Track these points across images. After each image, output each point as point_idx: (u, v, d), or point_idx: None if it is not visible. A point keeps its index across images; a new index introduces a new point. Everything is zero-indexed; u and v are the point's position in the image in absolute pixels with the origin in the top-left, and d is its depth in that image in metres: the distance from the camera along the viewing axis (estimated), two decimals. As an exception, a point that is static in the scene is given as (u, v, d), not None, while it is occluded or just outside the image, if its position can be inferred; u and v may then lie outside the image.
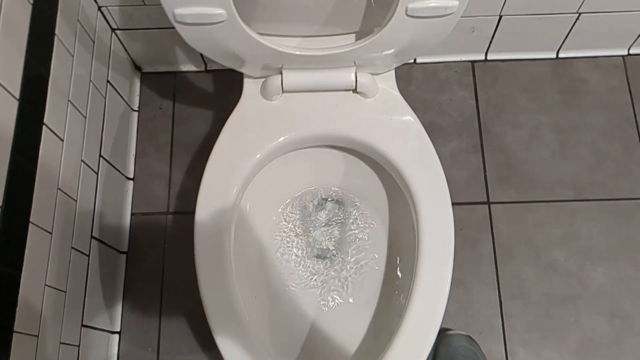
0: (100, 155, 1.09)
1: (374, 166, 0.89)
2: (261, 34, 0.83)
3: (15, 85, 0.77)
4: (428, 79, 1.27)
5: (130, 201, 1.21)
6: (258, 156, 0.82)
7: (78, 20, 1.00)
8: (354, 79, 0.82)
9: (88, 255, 1.02)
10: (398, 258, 0.95)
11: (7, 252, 0.74)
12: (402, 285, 0.92)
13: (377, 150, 0.83)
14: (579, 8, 1.12)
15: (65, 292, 0.93)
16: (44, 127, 0.85)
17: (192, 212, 0.83)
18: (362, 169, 0.90)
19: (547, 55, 1.27)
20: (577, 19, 1.15)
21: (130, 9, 1.10)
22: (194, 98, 1.28)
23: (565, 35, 1.21)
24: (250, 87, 0.86)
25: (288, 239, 0.97)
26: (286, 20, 0.82)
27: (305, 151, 0.89)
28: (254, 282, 0.91)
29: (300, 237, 0.97)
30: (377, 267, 0.95)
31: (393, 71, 0.87)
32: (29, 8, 0.83)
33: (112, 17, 1.13)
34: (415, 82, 1.27)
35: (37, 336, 0.82)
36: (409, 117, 0.84)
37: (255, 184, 0.86)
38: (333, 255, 0.97)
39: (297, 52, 0.76)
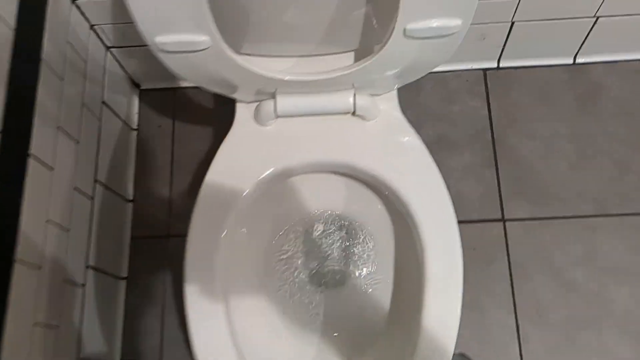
0: (96, 180, 1.05)
1: (377, 191, 0.84)
2: (254, 55, 0.78)
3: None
4: (437, 89, 1.21)
5: (130, 224, 1.18)
6: (250, 189, 0.77)
7: (68, 42, 0.96)
8: (352, 102, 0.76)
9: (83, 286, 0.98)
10: (406, 285, 0.90)
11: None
12: (411, 313, 0.86)
13: (379, 179, 0.77)
14: (596, 12, 1.05)
15: (59, 326, 0.89)
16: (29, 158, 0.82)
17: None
18: (364, 193, 0.85)
19: (563, 60, 1.20)
20: (595, 23, 1.08)
21: (123, 27, 1.06)
22: (195, 115, 1.24)
23: (583, 39, 1.14)
24: (242, 112, 0.81)
25: (289, 266, 0.92)
26: (280, 40, 0.77)
27: (305, 175, 0.84)
28: (252, 312, 0.87)
29: (302, 263, 0.92)
30: (383, 295, 0.90)
31: (395, 91, 0.81)
32: (11, 35, 0.79)
33: (106, 35, 1.09)
34: (423, 92, 1.21)
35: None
36: (413, 141, 0.79)
37: (253, 209, 0.81)
38: (337, 282, 0.92)
39: (289, 78, 0.71)
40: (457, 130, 1.18)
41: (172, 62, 0.68)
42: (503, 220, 1.13)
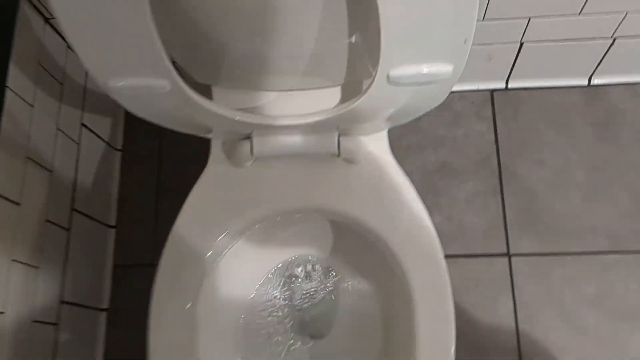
0: (73, 209, 0.99)
1: (364, 237, 0.76)
2: (231, 88, 0.71)
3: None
4: (441, 112, 1.13)
5: (112, 252, 1.11)
6: (222, 238, 0.70)
7: (40, 65, 0.89)
8: (336, 144, 0.69)
9: (55, 325, 0.92)
10: (396, 334, 0.82)
11: None
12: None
13: (366, 227, 0.70)
14: (614, 32, 0.96)
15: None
16: (-11, 197, 0.76)
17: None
18: (351, 237, 0.77)
19: (577, 82, 1.11)
20: (612, 44, 0.99)
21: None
22: (183, 135, 1.17)
23: (599, 60, 1.05)
24: (218, 151, 0.74)
25: (272, 316, 0.85)
26: (260, 73, 0.69)
27: (289, 217, 0.77)
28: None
29: (286, 312, 0.85)
30: (370, 346, 0.82)
31: (385, 131, 0.73)
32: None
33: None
34: (426, 115, 1.11)
35: None
36: (402, 188, 0.71)
37: (230, 255, 0.74)
38: (322, 332, 0.85)
39: (263, 123, 0.64)
40: (461, 156, 1.10)
41: (129, 104, 0.61)
42: (508, 255, 1.05)
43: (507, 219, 1.06)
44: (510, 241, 1.05)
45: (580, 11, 0.91)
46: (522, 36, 0.97)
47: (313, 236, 0.81)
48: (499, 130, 1.11)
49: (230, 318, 0.78)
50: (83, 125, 1.03)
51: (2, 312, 0.77)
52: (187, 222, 0.71)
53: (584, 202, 1.06)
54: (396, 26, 0.49)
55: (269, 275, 0.85)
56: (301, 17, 0.58)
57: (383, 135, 0.73)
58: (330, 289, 0.86)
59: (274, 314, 0.84)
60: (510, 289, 1.03)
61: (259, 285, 0.84)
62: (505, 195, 1.07)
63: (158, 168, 1.16)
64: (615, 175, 1.06)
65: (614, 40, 0.98)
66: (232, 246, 0.72)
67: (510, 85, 1.12)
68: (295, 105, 0.72)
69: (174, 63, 0.70)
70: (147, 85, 0.56)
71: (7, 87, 0.80)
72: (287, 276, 0.86)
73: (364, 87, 0.65)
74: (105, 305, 1.09)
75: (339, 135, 0.69)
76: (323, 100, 0.73)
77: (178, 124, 0.67)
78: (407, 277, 0.67)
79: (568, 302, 1.02)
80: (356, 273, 0.85)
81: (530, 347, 1.00)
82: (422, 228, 0.69)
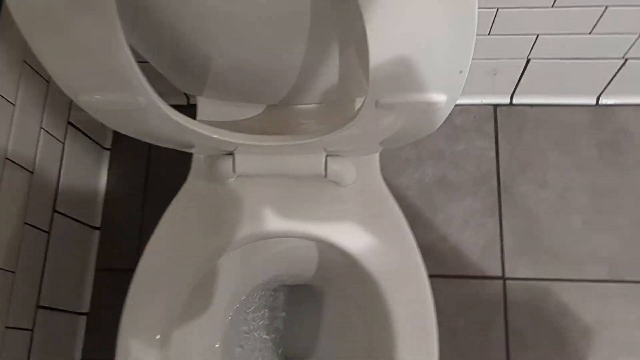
0: (55, 211, 0.95)
1: (350, 263, 0.73)
2: (217, 99, 0.67)
3: None
4: (442, 124, 1.08)
5: (95, 255, 1.08)
6: (198, 260, 0.66)
7: (24, 61, 0.86)
8: (323, 165, 0.65)
9: (31, 330, 0.89)
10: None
11: None
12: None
13: (350, 257, 0.66)
14: (625, 53, 0.92)
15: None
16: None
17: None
18: (337, 260, 0.73)
19: (585, 100, 1.07)
20: (623, 64, 0.95)
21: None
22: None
23: (609, 80, 1.00)
24: (199, 165, 0.71)
25: (252, 339, 0.81)
26: (245, 88, 0.65)
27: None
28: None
29: (266, 334, 0.82)
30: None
31: (377, 153, 0.69)
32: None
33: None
34: (425, 127, 1.08)
35: None
36: (391, 215, 0.67)
37: (206, 276, 0.71)
38: (304, 355, 0.82)
39: (244, 142, 0.60)
40: (460, 173, 1.06)
41: (104, 119, 0.58)
42: (503, 278, 1.01)
43: (504, 241, 1.02)
44: (506, 264, 1.01)
45: (592, 30, 0.86)
46: (529, 52, 0.93)
47: (297, 256, 0.78)
48: (500, 147, 1.07)
49: (204, 344, 0.75)
50: (70, 123, 0.99)
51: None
52: (161, 242, 0.67)
53: (585, 228, 1.01)
54: (386, 55, 0.45)
55: (249, 297, 0.81)
56: (289, 32, 0.54)
57: (374, 158, 0.69)
58: (313, 310, 0.83)
59: (254, 336, 0.80)
60: (503, 313, 1.00)
61: (237, 307, 0.81)
62: (503, 216, 1.03)
63: (146, 169, 1.12)
64: (619, 201, 1.02)
65: (626, 60, 0.94)
66: (209, 267, 0.69)
67: (515, 101, 1.08)
68: (283, 121, 0.69)
69: (158, 74, 0.67)
70: (119, 101, 0.52)
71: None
72: (268, 297, 0.82)
73: (357, 106, 0.61)
74: (85, 310, 1.06)
75: (327, 156, 0.65)
76: (313, 117, 0.69)
77: (156, 140, 0.63)
78: (390, 314, 0.64)
79: (562, 332, 0.98)
80: (341, 296, 0.81)
81: (520, 376, 0.96)
82: (409, 261, 0.65)
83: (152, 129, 0.59)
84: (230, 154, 0.66)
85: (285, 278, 0.82)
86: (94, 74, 0.49)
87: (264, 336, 0.82)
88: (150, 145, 1.12)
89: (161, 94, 1.04)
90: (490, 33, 0.88)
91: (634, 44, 0.89)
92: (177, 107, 1.14)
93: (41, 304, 0.92)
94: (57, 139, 0.96)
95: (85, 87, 0.51)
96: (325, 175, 0.66)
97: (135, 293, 0.64)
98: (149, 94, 0.52)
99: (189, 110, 1.10)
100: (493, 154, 1.06)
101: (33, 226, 0.89)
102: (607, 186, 1.03)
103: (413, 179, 1.06)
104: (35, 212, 0.90)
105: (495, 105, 1.09)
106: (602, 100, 1.06)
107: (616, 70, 0.97)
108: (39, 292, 0.91)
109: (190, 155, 0.73)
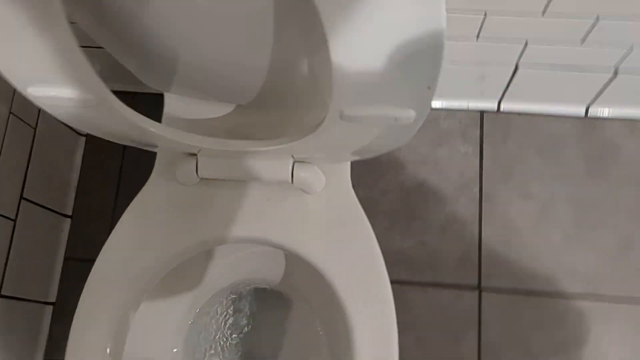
0: (22, 198, 0.93)
1: (314, 271, 0.70)
2: (184, 95, 0.64)
3: None
4: (426, 128, 1.06)
5: (65, 244, 1.06)
6: (157, 263, 0.64)
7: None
8: (289, 171, 0.62)
9: (-9, 320, 0.87)
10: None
11: None
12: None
13: (316, 267, 0.64)
14: (616, 65, 0.89)
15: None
16: None
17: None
18: (302, 267, 0.71)
19: (574, 111, 1.04)
20: (614, 77, 0.92)
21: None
22: (152, 125, 1.10)
23: (599, 91, 0.98)
24: (163, 163, 0.68)
25: (214, 343, 0.79)
26: (213, 86, 0.63)
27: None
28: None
29: (229, 339, 0.80)
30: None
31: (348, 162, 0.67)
32: None
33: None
34: (409, 130, 1.05)
35: None
36: (358, 226, 0.65)
37: (165, 280, 0.68)
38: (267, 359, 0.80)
39: (205, 146, 0.57)
40: (441, 178, 1.03)
41: (57, 114, 0.55)
42: (479, 289, 0.99)
43: (482, 250, 1.00)
44: (483, 275, 0.99)
45: (583, 41, 0.83)
46: (518, 60, 0.90)
47: (262, 260, 0.75)
48: (484, 155, 1.04)
49: (162, 349, 0.73)
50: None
51: None
52: (118, 244, 0.65)
53: (565, 241, 0.99)
54: (349, 67, 0.42)
55: (212, 300, 0.79)
56: (253, 32, 0.51)
57: (345, 166, 0.66)
58: (279, 315, 0.80)
59: (217, 340, 0.78)
60: (476, 325, 0.98)
61: (199, 311, 0.78)
62: (483, 225, 1.01)
63: (122, 157, 1.10)
64: (602, 217, 1.00)
65: (617, 73, 0.91)
66: (168, 271, 0.66)
67: (502, 108, 1.05)
68: (252, 122, 0.66)
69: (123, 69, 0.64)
70: (70, 98, 0.49)
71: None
72: (231, 300, 0.80)
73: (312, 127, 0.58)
74: (52, 299, 1.03)
75: (294, 163, 0.62)
76: (283, 120, 0.66)
77: (115, 138, 0.60)
78: (352, 329, 0.61)
79: (535, 347, 0.96)
80: (306, 301, 0.79)
81: (490, 390, 0.95)
82: (373, 275, 0.63)
83: (108, 128, 0.56)
84: (195, 155, 0.63)
85: (250, 282, 0.80)
86: (40, 66, 0.46)
87: (227, 340, 0.80)
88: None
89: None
90: (479, 38, 0.85)
91: (625, 57, 0.86)
92: (157, 96, 1.12)
93: (4, 293, 0.89)
94: (28, 124, 0.93)
95: (32, 79, 0.48)
96: (292, 182, 0.63)
97: (87, 300, 0.62)
98: (100, 91, 0.49)
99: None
100: (477, 161, 1.04)
101: (-3, 214, 0.86)
102: (590, 200, 1.01)
103: (392, 183, 1.03)
104: (1, 198, 0.87)
105: (482, 112, 1.06)
106: (592, 112, 1.03)
107: (606, 82, 0.94)
108: (2, 282, 0.89)
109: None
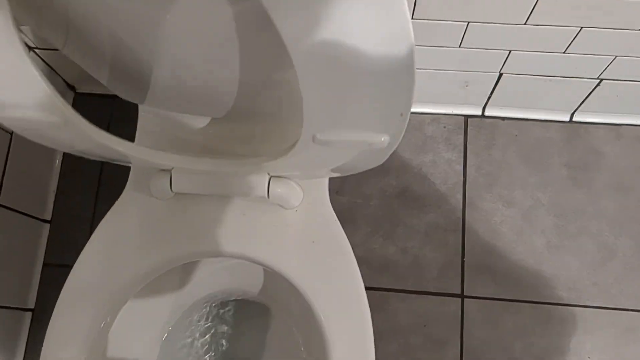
0: (-1, 204, 0.91)
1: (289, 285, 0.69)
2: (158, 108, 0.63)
3: None
4: (410, 133, 1.05)
5: (44, 249, 1.04)
6: (131, 277, 0.63)
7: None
8: (265, 187, 0.61)
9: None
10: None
11: None
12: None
13: (292, 283, 0.63)
14: (600, 74, 0.88)
15: None
16: None
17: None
18: (281, 280, 0.70)
19: (558, 117, 1.03)
20: (598, 84, 0.91)
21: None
22: (132, 127, 1.08)
23: (583, 98, 0.97)
24: (137, 177, 0.67)
25: (189, 357, 0.78)
26: (186, 100, 0.61)
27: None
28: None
29: (206, 352, 0.79)
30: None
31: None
32: None
33: (26, 36, 0.93)
34: (393, 135, 1.04)
35: None
36: (335, 241, 0.64)
37: (140, 293, 0.67)
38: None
39: (179, 165, 0.56)
40: (424, 185, 1.03)
41: (26, 134, 0.53)
42: (462, 296, 0.98)
43: (465, 258, 1.00)
44: (466, 282, 0.99)
45: (565, 50, 0.83)
46: (502, 67, 0.89)
47: (239, 273, 0.74)
48: (468, 161, 1.03)
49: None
50: (19, 112, 0.94)
51: None
52: (91, 259, 0.64)
53: (548, 249, 0.99)
54: (319, 93, 0.41)
55: (190, 312, 0.78)
56: (222, 49, 0.50)
57: (323, 181, 0.65)
58: (258, 326, 0.80)
59: (195, 351, 0.77)
60: (459, 332, 0.97)
61: (175, 323, 0.77)
62: (466, 232, 1.01)
63: (102, 162, 1.08)
64: (584, 224, 0.99)
65: (600, 81, 0.91)
66: (143, 286, 0.65)
67: (486, 113, 1.04)
68: (228, 135, 0.65)
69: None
70: (35, 120, 0.48)
71: None
72: (210, 311, 0.79)
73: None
74: (31, 305, 1.02)
75: (270, 178, 0.61)
76: (260, 134, 0.65)
77: (87, 155, 0.59)
78: (328, 343, 0.61)
79: (517, 354, 0.96)
80: (285, 311, 0.78)
81: (471, 398, 0.95)
82: (350, 291, 0.62)
83: (77, 147, 0.55)
84: (169, 170, 0.62)
85: (229, 293, 0.79)
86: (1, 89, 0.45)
87: (205, 351, 0.79)
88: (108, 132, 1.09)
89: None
90: (461, 46, 0.84)
91: (609, 65, 0.86)
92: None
93: (-21, 301, 0.88)
94: (4, 128, 0.91)
95: (-4, 102, 0.47)
96: (268, 197, 0.62)
97: (58, 317, 0.61)
98: (66, 114, 0.47)
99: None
100: (460, 167, 1.03)
101: (-29, 222, 0.85)
102: (572, 208, 1.00)
103: (375, 188, 1.02)
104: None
105: (467, 117, 1.05)
106: (576, 117, 1.03)
107: (591, 89, 0.93)
108: (-23, 289, 0.88)
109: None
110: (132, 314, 0.68)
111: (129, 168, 1.03)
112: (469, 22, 0.78)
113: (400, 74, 0.39)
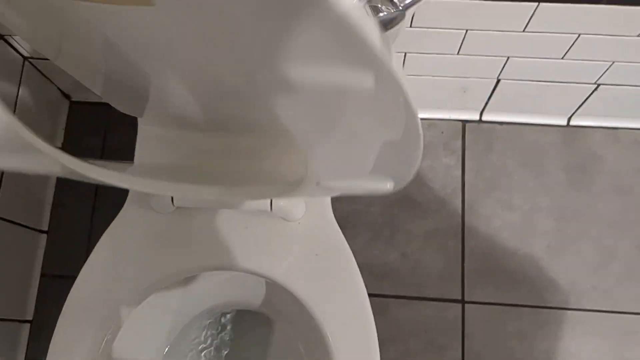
0: (-6, 216, 0.90)
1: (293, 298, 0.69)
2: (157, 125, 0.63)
3: None
4: (408, 138, 1.04)
5: (41, 260, 1.03)
6: (132, 291, 0.62)
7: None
8: (268, 201, 0.61)
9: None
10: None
11: None
12: None
13: (296, 296, 0.63)
14: (598, 79, 0.89)
15: None
16: None
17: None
18: (282, 292, 0.70)
19: (556, 121, 1.03)
20: (596, 89, 0.92)
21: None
22: (128, 137, 1.08)
23: (580, 103, 0.97)
24: (137, 191, 0.66)
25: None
26: (184, 114, 0.61)
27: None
28: None
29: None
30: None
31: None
32: None
33: (20, 45, 0.92)
34: (391, 141, 1.04)
35: None
36: (339, 253, 0.63)
37: (142, 307, 0.67)
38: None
39: (179, 195, 0.55)
40: (423, 190, 1.03)
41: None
42: (462, 301, 0.99)
43: (465, 263, 1.00)
44: (466, 287, 0.99)
45: (564, 56, 0.83)
46: (500, 73, 0.89)
47: (242, 284, 0.74)
48: (467, 166, 1.03)
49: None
50: (14, 123, 0.94)
51: None
52: (94, 270, 0.63)
53: (548, 253, 0.99)
54: (323, 153, 0.41)
55: (192, 324, 0.78)
56: (224, 59, 0.49)
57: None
58: (261, 338, 0.79)
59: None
60: (460, 338, 0.97)
61: (180, 333, 0.77)
62: (466, 237, 1.01)
63: (100, 171, 1.07)
64: (583, 228, 1.00)
65: (598, 86, 0.91)
66: (146, 298, 0.65)
67: (484, 118, 1.04)
68: (231, 147, 0.64)
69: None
70: (26, 168, 0.48)
71: None
72: (213, 322, 0.79)
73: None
74: (29, 317, 1.01)
75: (273, 193, 0.61)
76: (266, 146, 0.64)
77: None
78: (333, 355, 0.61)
79: (518, 357, 0.96)
80: (288, 323, 0.78)
81: (473, 404, 0.95)
82: (355, 306, 0.62)
83: (77, 178, 0.54)
84: (170, 183, 0.61)
85: (231, 304, 0.79)
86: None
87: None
88: (103, 146, 1.08)
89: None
90: (459, 53, 0.84)
91: (606, 70, 0.86)
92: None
93: (-23, 314, 0.87)
94: (0, 141, 0.90)
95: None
96: (271, 210, 0.62)
97: (61, 330, 0.60)
98: (60, 163, 0.47)
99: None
100: (459, 172, 1.03)
101: (-32, 235, 0.84)
102: (571, 212, 1.00)
103: (375, 195, 1.02)
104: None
105: (464, 122, 1.05)
106: (573, 122, 1.03)
107: (588, 94, 0.94)
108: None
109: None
110: (135, 327, 0.68)
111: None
112: (467, 30, 0.78)
113: (407, 143, 0.39)
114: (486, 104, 1.00)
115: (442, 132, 1.05)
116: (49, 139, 1.04)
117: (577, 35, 0.77)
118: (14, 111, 0.93)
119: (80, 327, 0.62)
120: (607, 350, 0.96)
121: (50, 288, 1.03)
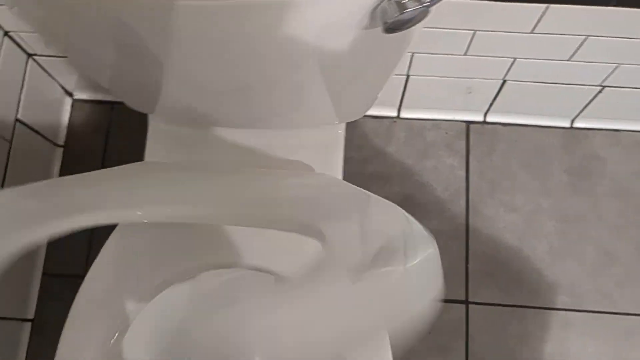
0: (-2, 215, 0.89)
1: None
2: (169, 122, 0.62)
3: None
4: (412, 140, 1.05)
5: (43, 258, 1.03)
6: (141, 292, 0.62)
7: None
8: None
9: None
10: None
11: None
12: None
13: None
14: (603, 81, 0.89)
15: None
16: None
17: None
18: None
19: (559, 123, 1.04)
20: (600, 91, 0.92)
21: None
22: (131, 136, 1.07)
23: (585, 105, 0.98)
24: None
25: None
26: (197, 113, 0.61)
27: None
28: None
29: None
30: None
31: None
32: None
33: (26, 42, 0.92)
34: (395, 141, 1.05)
35: None
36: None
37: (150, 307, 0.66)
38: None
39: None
40: (427, 191, 1.03)
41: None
42: (466, 302, 0.99)
43: (469, 264, 1.00)
44: (470, 288, 0.99)
45: (570, 58, 0.83)
46: (506, 74, 0.90)
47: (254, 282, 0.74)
48: (471, 167, 1.04)
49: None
50: (18, 120, 0.93)
51: None
52: (103, 268, 0.63)
53: (550, 255, 1.00)
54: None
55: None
56: (235, 56, 0.49)
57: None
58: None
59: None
60: (464, 338, 0.98)
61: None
62: (470, 238, 1.01)
63: (102, 167, 1.06)
64: (585, 230, 1.00)
65: (603, 88, 0.91)
66: (156, 296, 0.64)
67: (488, 119, 1.05)
68: (245, 143, 0.64)
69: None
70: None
71: None
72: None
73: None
74: (30, 316, 1.00)
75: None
76: (281, 143, 0.64)
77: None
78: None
79: (521, 358, 0.96)
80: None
81: (477, 404, 0.95)
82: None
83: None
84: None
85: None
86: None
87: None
88: (105, 143, 1.07)
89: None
90: (467, 53, 0.84)
91: (612, 73, 0.87)
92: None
93: (-20, 313, 0.87)
94: (3, 138, 0.90)
95: None
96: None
97: (70, 330, 0.60)
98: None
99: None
100: (463, 173, 1.04)
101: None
102: (573, 214, 1.01)
103: (379, 195, 1.02)
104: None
105: (468, 123, 1.05)
106: (576, 123, 1.04)
107: (593, 96, 0.94)
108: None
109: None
110: (144, 324, 0.67)
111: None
112: (475, 31, 0.79)
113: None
114: (491, 105, 1.01)
115: (447, 133, 1.05)
116: (52, 137, 1.04)
117: (584, 37, 0.78)
118: (17, 109, 0.93)
119: (90, 323, 0.62)
120: (609, 351, 0.96)
121: (52, 287, 1.02)
